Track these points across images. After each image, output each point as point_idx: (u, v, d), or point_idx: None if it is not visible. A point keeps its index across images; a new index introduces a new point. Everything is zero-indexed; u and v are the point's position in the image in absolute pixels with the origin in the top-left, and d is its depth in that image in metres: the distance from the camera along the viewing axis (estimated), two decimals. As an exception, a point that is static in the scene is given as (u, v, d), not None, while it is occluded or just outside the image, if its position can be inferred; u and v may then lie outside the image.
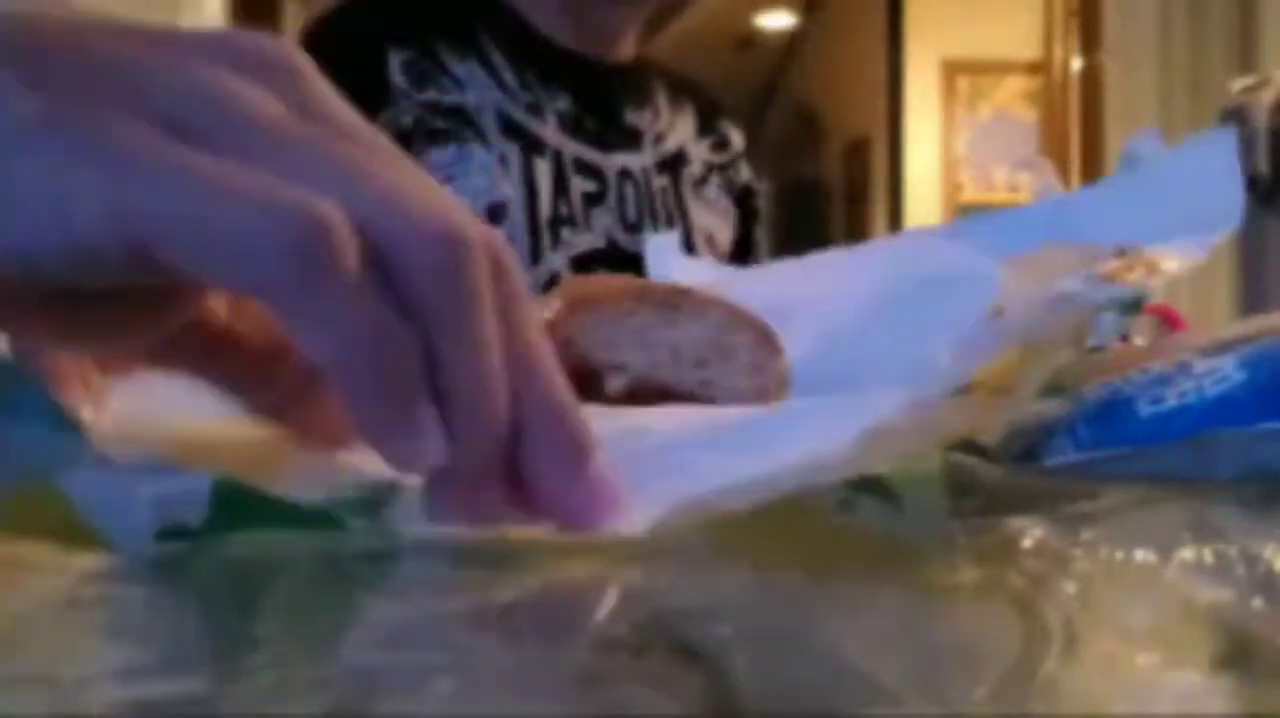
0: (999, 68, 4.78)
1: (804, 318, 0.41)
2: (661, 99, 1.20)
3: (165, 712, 0.19)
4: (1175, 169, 0.45)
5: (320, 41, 1.10)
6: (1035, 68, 4.66)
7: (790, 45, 6.58)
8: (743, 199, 1.27)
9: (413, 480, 0.31)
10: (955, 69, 4.79)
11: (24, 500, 0.29)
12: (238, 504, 0.30)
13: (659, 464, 0.34)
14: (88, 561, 0.29)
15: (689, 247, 1.13)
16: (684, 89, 1.25)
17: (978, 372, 0.34)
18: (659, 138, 1.17)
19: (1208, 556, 0.29)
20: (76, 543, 0.30)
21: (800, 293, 0.44)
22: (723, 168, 1.25)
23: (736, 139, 1.28)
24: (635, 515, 0.31)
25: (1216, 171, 0.42)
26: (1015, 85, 4.75)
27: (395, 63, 1.05)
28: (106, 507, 0.30)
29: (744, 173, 1.27)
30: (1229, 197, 0.41)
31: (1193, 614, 0.26)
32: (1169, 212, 0.41)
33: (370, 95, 1.02)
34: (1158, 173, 0.47)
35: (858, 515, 0.36)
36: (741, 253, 1.25)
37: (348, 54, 1.05)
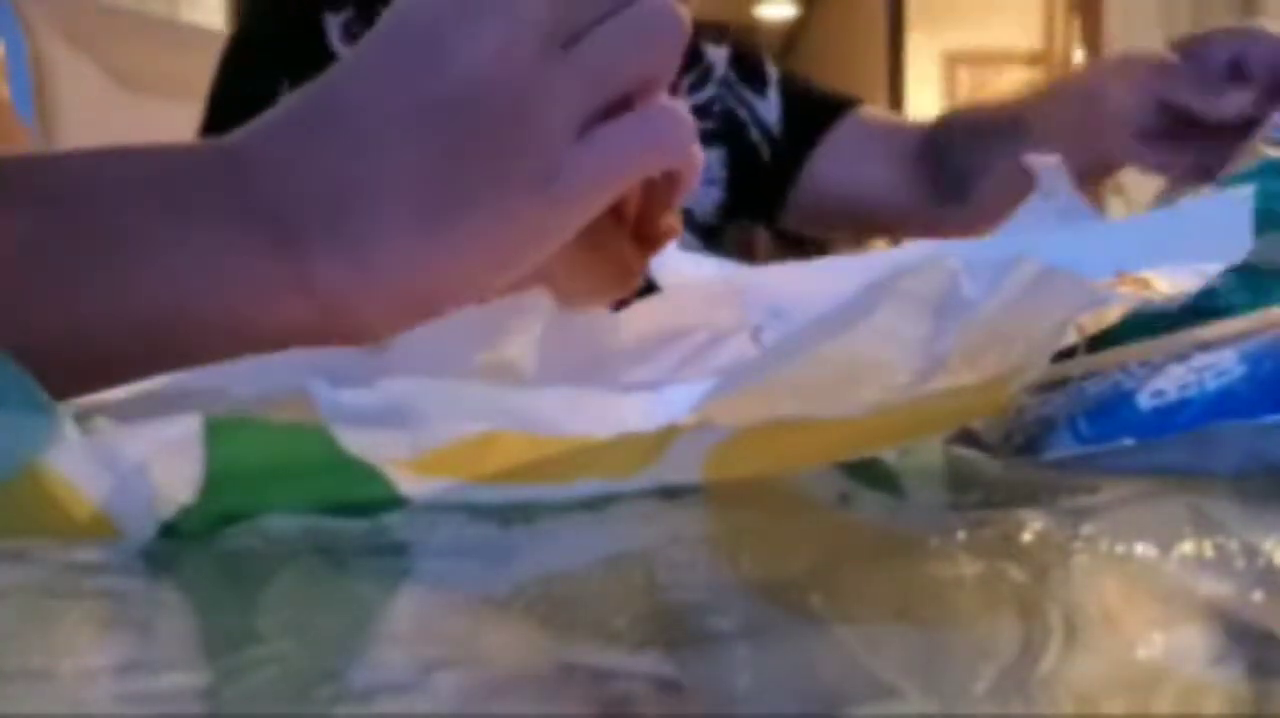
0: (1000, 59, 4.77)
1: (794, 318, 0.42)
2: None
3: (166, 706, 0.19)
4: (1187, 217, 0.45)
5: (254, 8, 1.08)
6: (1036, 59, 4.65)
7: (791, 36, 6.58)
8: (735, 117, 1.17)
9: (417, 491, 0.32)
10: (956, 60, 4.78)
11: (15, 484, 0.30)
12: (231, 438, 0.30)
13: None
14: (87, 553, 0.29)
15: None
16: (708, 37, 1.18)
17: (952, 355, 0.34)
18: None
19: (1208, 549, 0.29)
20: (72, 523, 0.30)
21: (796, 294, 0.44)
22: (699, 106, 1.16)
23: (717, 57, 1.17)
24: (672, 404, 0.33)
25: (1228, 222, 0.42)
26: (1016, 77, 4.74)
27: (333, 26, 1.02)
28: (99, 477, 0.30)
29: (733, 81, 1.16)
30: (1236, 244, 0.42)
31: (1193, 608, 0.26)
32: (1174, 251, 0.42)
33: (310, 61, 1.01)
34: (1169, 217, 0.47)
35: (857, 509, 0.36)
36: (794, 146, 1.15)
37: (283, 19, 1.03)
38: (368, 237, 0.39)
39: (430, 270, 0.39)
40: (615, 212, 0.44)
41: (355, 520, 0.31)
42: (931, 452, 0.41)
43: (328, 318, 0.40)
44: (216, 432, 0.30)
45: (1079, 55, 4.31)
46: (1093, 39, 4.16)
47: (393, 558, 0.31)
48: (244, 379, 0.39)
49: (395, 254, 0.39)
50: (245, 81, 1.04)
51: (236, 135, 0.41)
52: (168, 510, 0.30)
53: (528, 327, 0.43)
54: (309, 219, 0.39)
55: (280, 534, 0.30)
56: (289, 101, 0.42)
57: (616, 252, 0.44)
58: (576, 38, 0.40)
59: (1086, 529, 0.32)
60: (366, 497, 0.32)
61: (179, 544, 0.30)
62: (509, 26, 0.39)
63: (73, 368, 0.39)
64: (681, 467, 0.34)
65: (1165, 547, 0.29)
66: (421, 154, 0.39)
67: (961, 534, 0.32)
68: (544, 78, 0.39)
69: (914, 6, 4.86)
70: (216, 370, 0.40)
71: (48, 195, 0.41)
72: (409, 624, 0.25)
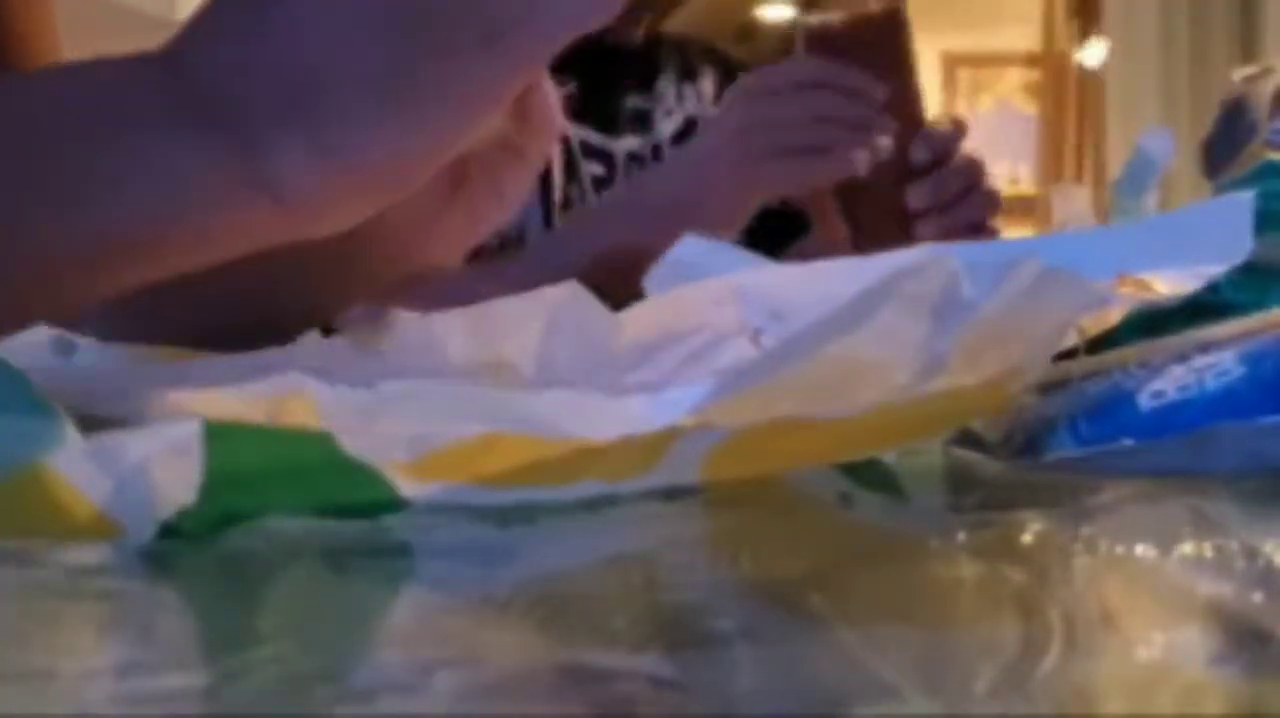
0: (1000, 60, 4.77)
1: (794, 321, 0.42)
2: (671, 75, 1.18)
3: (166, 707, 0.19)
4: (1188, 221, 0.45)
5: None
6: (1036, 60, 4.65)
7: (791, 37, 6.58)
8: None
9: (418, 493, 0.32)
10: (956, 61, 4.78)
11: (16, 487, 0.30)
12: (230, 440, 0.30)
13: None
14: (89, 554, 0.29)
15: None
16: (702, 56, 1.22)
17: (953, 356, 0.34)
18: (669, 113, 1.16)
19: (1208, 550, 0.29)
20: (73, 525, 0.30)
21: (796, 295, 0.44)
22: None
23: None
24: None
25: (1229, 225, 0.43)
26: (1016, 77, 4.74)
27: None
28: (99, 479, 0.30)
29: None
30: (1237, 246, 0.42)
31: (1193, 609, 0.26)
32: (1174, 254, 0.42)
33: None
34: (1170, 221, 0.48)
35: (857, 510, 0.36)
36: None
37: None
38: (321, 120, 0.38)
39: (389, 147, 0.39)
40: None
41: (355, 522, 0.31)
42: (932, 453, 0.41)
43: (289, 212, 0.39)
44: (216, 433, 0.30)
45: (1078, 56, 4.30)
46: (1092, 39, 4.15)
47: (393, 559, 0.31)
48: (244, 381, 0.39)
49: (351, 135, 0.38)
50: None
51: (184, 29, 0.41)
52: (168, 512, 0.30)
53: (528, 326, 0.43)
54: (259, 109, 0.39)
55: (280, 535, 0.30)
56: None
57: None
58: None
59: (1087, 530, 0.32)
60: (366, 498, 0.32)
61: (179, 545, 0.30)
62: None
63: (36, 294, 0.39)
64: (681, 468, 0.34)
65: (1165, 547, 0.29)
66: (366, 29, 0.39)
67: (962, 535, 0.32)
68: None
69: (914, 7, 4.86)
70: (217, 371, 0.40)
71: (2, 124, 0.40)
72: (409, 625, 0.25)
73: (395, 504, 0.32)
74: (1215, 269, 0.41)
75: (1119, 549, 0.30)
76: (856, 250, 0.92)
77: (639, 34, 1.15)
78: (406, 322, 0.43)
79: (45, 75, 0.42)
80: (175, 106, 0.39)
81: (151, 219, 0.39)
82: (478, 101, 0.40)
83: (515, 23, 0.39)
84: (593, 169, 1.08)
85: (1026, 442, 0.41)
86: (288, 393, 0.36)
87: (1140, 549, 0.29)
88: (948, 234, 0.91)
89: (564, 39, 0.40)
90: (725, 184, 0.91)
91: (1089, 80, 4.16)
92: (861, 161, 0.87)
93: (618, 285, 0.54)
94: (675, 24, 1.22)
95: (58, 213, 0.39)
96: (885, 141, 0.89)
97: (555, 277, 0.50)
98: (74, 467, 0.30)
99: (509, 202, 0.46)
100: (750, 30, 6.27)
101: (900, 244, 0.91)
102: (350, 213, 0.40)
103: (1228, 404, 0.38)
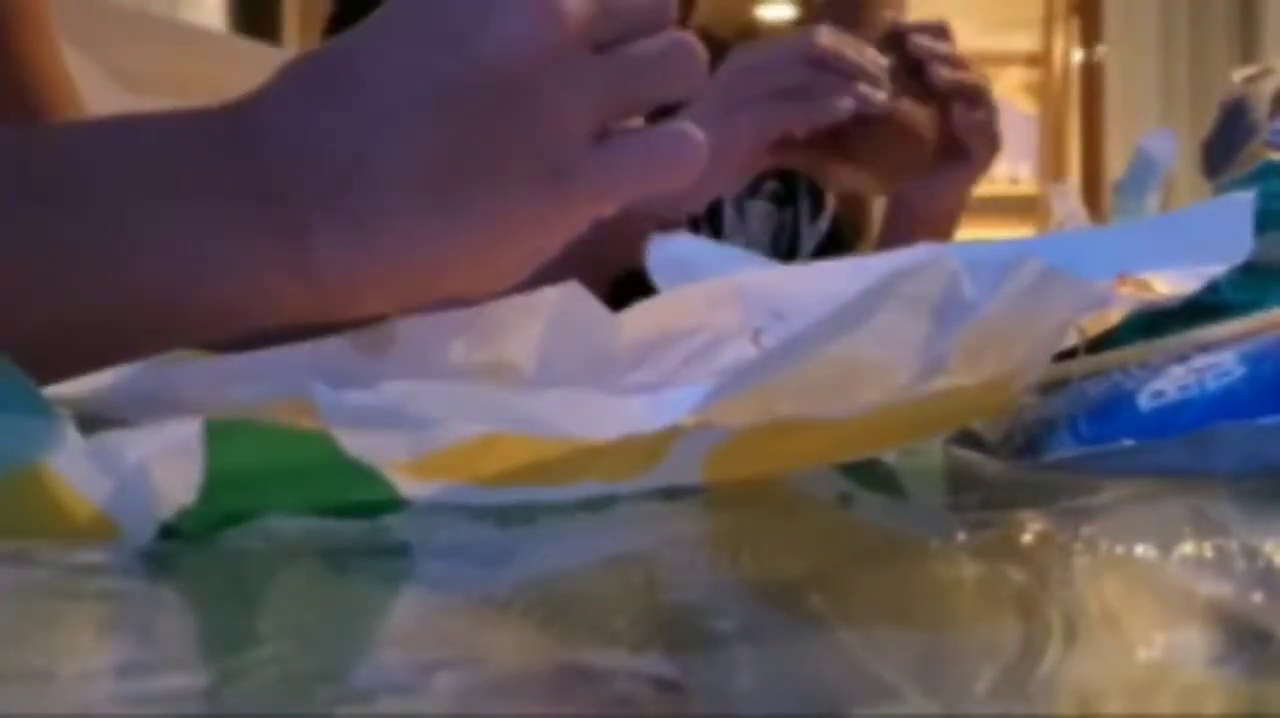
0: (1000, 59, 4.77)
1: (793, 320, 0.42)
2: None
3: (166, 707, 0.19)
4: (1189, 221, 0.46)
5: (339, 28, 1.08)
6: (1036, 60, 4.65)
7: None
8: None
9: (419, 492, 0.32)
10: (956, 61, 4.78)
11: (16, 487, 0.30)
12: (230, 440, 0.30)
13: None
14: (89, 554, 0.29)
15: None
16: (720, 58, 1.21)
17: (953, 356, 0.34)
18: None
19: (1208, 550, 0.29)
20: (73, 525, 0.30)
21: (796, 295, 0.44)
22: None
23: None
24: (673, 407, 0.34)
25: (1230, 225, 0.43)
26: (1016, 77, 4.74)
27: None
28: (99, 479, 0.30)
29: None
30: (1237, 246, 0.42)
31: (1193, 609, 0.26)
32: (1175, 254, 0.42)
33: None
34: (1170, 221, 0.48)
35: (857, 510, 0.36)
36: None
37: None
38: (370, 217, 0.38)
39: (430, 256, 0.39)
40: None
41: (356, 522, 0.31)
42: (932, 453, 0.41)
43: (323, 299, 0.39)
44: (217, 434, 0.30)
45: (1079, 56, 4.30)
46: (1092, 40, 4.15)
47: (393, 559, 0.31)
48: (245, 381, 0.39)
49: (396, 237, 0.39)
50: None
51: (245, 99, 0.41)
52: (168, 512, 0.30)
53: (528, 327, 0.43)
54: (311, 196, 0.39)
55: (281, 536, 0.30)
56: (300, 65, 0.41)
57: None
58: (604, 48, 0.40)
59: (1087, 530, 0.32)
60: (367, 499, 0.32)
61: (179, 546, 0.30)
62: (538, 16, 0.39)
63: (66, 351, 0.39)
64: (682, 468, 0.34)
65: (1165, 548, 0.29)
66: (433, 137, 0.38)
67: (962, 535, 0.32)
68: (567, 73, 0.39)
69: (913, 7, 4.86)
70: (217, 371, 0.40)
71: (43, 178, 0.40)
72: (409, 625, 0.25)
73: (395, 504, 0.32)
74: (1215, 269, 0.41)
75: (1119, 549, 0.30)
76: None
77: None
78: (407, 322, 0.43)
79: (106, 130, 0.42)
80: (226, 176, 0.39)
81: (182, 290, 0.39)
82: (531, 231, 0.40)
83: (583, 169, 0.39)
84: None
85: (1026, 442, 0.41)
86: (288, 393, 0.36)
87: (1140, 549, 0.30)
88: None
89: (630, 196, 0.40)
90: (708, 135, 0.89)
91: (1089, 80, 4.16)
92: (845, 108, 0.85)
93: (600, 241, 0.54)
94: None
95: (75, 264, 0.39)
96: (879, 95, 0.86)
97: None
98: (74, 467, 0.30)
99: (543, 258, 0.46)
100: (751, 30, 6.27)
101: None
102: (377, 306, 0.40)
103: (1228, 404, 0.38)
